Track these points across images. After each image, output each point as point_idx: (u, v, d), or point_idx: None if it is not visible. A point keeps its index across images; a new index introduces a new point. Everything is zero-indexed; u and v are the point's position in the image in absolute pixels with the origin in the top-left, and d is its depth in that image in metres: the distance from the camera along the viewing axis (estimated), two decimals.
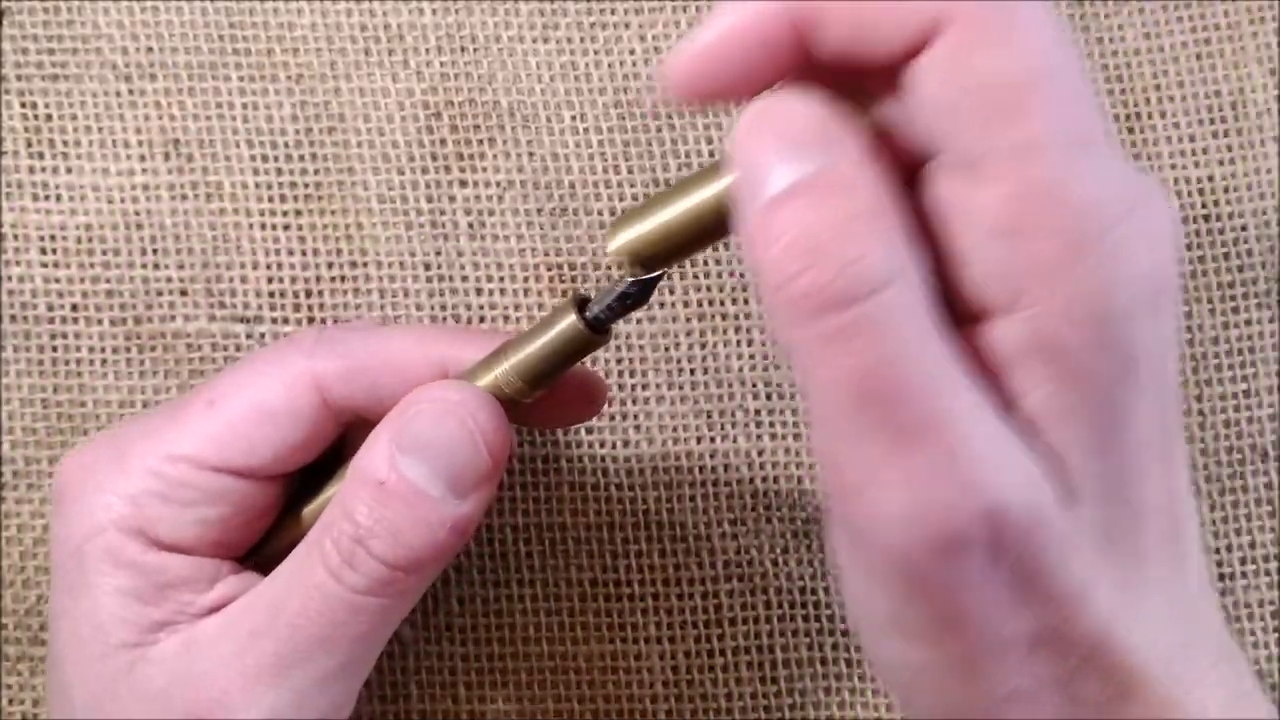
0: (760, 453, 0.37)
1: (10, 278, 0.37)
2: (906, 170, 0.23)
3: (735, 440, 0.37)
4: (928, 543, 0.21)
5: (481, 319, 0.37)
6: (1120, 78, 0.38)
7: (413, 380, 0.30)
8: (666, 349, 0.37)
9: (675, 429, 0.37)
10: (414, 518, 0.28)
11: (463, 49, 0.38)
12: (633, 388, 0.37)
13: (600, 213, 0.37)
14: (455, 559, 0.36)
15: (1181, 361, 0.37)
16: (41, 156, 0.37)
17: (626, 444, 0.37)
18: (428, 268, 0.37)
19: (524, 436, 0.37)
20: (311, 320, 0.37)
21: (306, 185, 0.37)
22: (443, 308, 0.37)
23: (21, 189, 0.37)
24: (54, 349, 0.36)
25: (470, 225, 0.37)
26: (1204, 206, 0.37)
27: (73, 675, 0.29)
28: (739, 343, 0.37)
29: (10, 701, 0.36)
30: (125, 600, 0.29)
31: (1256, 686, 0.25)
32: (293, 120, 0.37)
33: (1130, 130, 0.37)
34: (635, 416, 0.37)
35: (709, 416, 0.37)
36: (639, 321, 0.37)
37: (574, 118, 0.38)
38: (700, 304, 0.37)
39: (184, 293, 0.37)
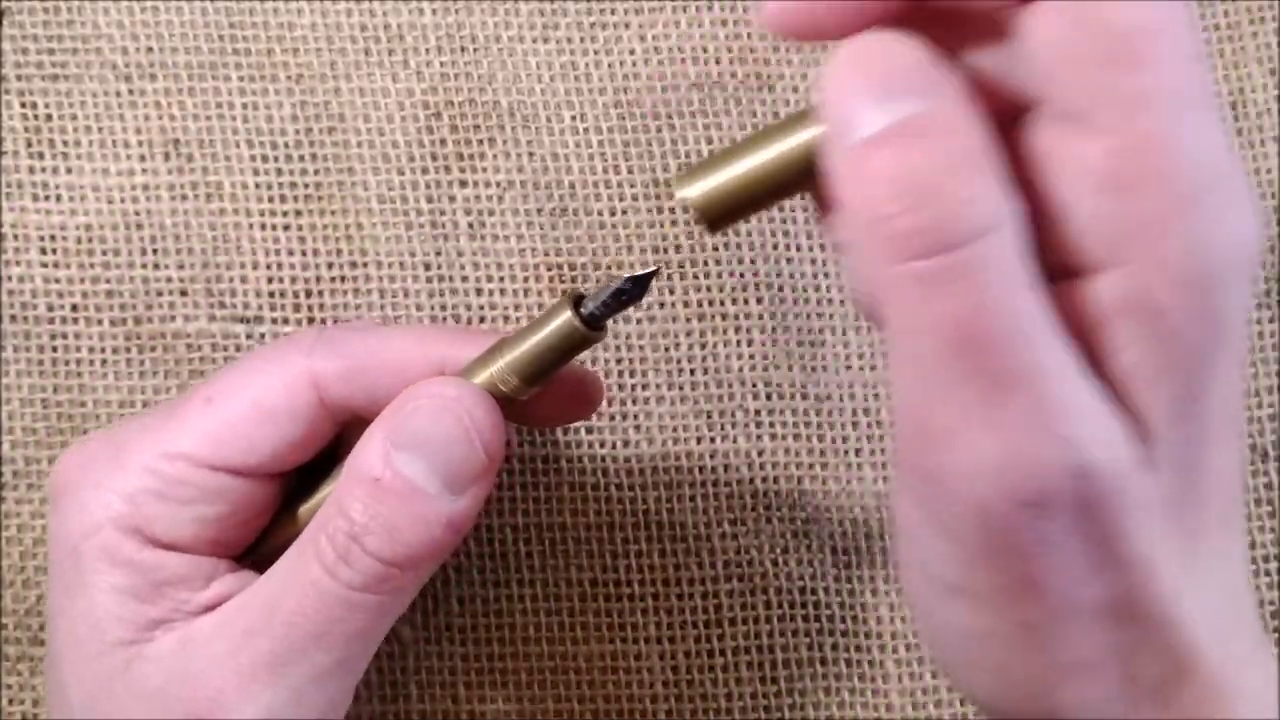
0: (760, 453, 0.37)
1: (10, 278, 0.37)
2: (1000, 121, 0.22)
3: (735, 440, 0.37)
4: (1015, 496, 0.21)
5: (481, 319, 0.37)
6: None
7: (412, 381, 0.29)
8: (666, 349, 0.37)
9: (675, 429, 0.37)
10: (410, 514, 0.28)
11: (463, 49, 0.38)
12: (633, 388, 0.37)
13: (600, 213, 0.37)
14: (455, 559, 0.36)
15: None
16: (41, 156, 0.37)
17: (626, 444, 0.37)
18: (428, 268, 0.37)
19: (524, 436, 0.36)
20: (311, 320, 0.37)
21: (306, 185, 0.37)
22: (443, 308, 0.37)
23: (21, 189, 0.37)
24: (54, 349, 0.36)
25: (470, 225, 0.37)
26: None
27: (69, 674, 0.29)
28: (739, 343, 0.37)
29: (10, 701, 0.36)
30: (122, 598, 0.29)
31: None
32: (293, 120, 0.37)
33: None
34: (635, 416, 0.37)
35: (709, 416, 0.37)
36: (639, 321, 0.37)
37: (574, 118, 0.38)
38: (700, 304, 0.37)
39: (184, 293, 0.37)
